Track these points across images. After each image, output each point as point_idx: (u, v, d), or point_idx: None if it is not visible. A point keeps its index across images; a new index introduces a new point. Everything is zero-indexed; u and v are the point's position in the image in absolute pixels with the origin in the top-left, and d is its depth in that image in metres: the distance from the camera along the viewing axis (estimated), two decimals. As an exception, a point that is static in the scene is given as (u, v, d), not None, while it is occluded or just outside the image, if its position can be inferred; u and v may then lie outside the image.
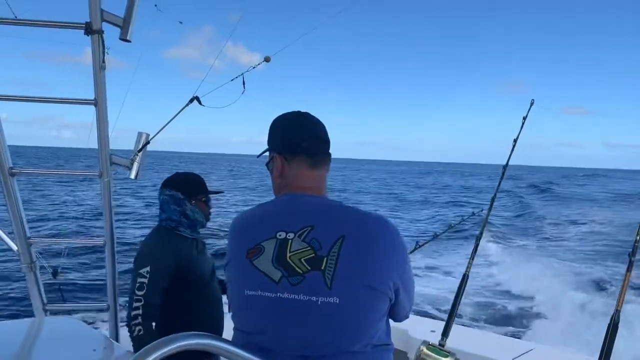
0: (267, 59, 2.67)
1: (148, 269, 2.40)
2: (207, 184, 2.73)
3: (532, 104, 2.93)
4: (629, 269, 2.14)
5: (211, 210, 2.73)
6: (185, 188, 2.62)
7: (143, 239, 2.64)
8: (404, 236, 1.42)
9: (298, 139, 1.45)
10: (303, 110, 1.54)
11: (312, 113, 1.53)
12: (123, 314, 2.64)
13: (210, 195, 2.73)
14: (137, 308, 2.36)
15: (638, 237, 2.19)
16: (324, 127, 1.53)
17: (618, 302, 2.08)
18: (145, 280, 2.38)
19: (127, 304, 2.41)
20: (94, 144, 2.70)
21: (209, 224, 2.74)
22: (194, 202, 2.61)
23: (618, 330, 2.05)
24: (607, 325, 2.06)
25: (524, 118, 2.93)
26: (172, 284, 2.46)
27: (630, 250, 2.16)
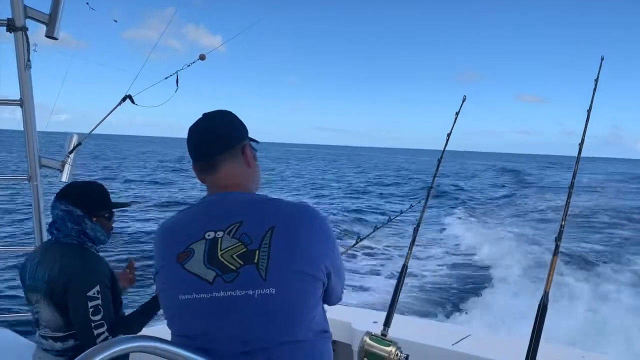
0: (202, 57, 2.63)
1: (97, 288, 2.09)
2: (110, 196, 2.36)
3: (464, 100, 3.02)
4: (555, 253, 2.26)
5: (113, 225, 2.38)
6: (85, 203, 2.24)
7: (55, 264, 2.13)
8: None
9: (191, 147, 1.48)
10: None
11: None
12: None
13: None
14: (102, 334, 2.08)
15: (563, 223, 2.32)
16: (220, 125, 1.49)
17: (546, 285, 2.19)
18: (99, 302, 2.09)
19: (83, 337, 2.08)
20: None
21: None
22: (95, 219, 2.25)
23: (547, 311, 2.16)
24: (537, 307, 2.16)
25: (457, 114, 3.02)
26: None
27: (556, 235, 2.28)
